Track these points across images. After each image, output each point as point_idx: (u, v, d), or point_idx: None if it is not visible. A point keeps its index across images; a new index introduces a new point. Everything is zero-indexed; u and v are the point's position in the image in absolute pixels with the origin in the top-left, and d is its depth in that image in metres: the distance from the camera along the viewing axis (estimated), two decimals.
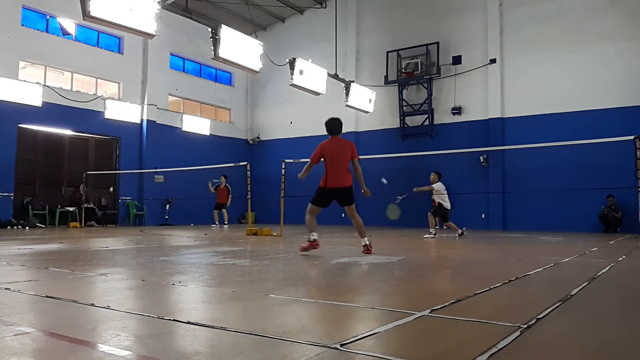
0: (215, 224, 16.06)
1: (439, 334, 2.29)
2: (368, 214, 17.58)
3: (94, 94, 16.67)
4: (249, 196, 11.82)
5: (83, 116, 16.05)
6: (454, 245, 8.33)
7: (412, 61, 17.23)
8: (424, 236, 10.62)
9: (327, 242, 8.37)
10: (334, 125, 6.42)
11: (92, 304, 2.82)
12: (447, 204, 10.86)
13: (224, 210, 16.00)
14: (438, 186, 10.90)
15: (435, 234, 10.62)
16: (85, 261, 5.34)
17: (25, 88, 14.25)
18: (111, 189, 17.43)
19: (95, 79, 16.97)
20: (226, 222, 16.06)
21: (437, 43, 17.04)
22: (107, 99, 16.59)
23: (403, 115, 17.63)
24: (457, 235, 10.64)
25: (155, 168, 17.19)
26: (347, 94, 14.38)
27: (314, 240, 6.08)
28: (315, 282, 4.02)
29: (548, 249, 7.56)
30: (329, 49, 15.90)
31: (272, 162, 19.13)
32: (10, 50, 14.37)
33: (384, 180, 9.87)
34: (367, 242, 6.29)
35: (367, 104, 15.48)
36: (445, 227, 11.49)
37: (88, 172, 15.70)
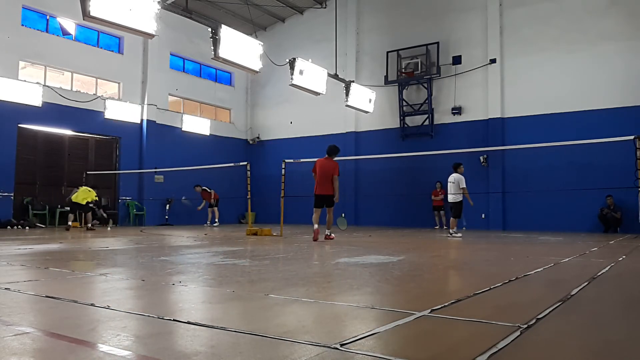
0: (207, 223, 16.83)
1: (439, 334, 2.29)
2: (370, 214, 17.71)
3: (94, 94, 16.65)
4: (249, 196, 11.79)
5: (83, 116, 16.03)
6: (454, 245, 8.33)
7: (412, 61, 17.21)
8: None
9: (327, 242, 8.39)
10: (332, 150, 9.19)
11: (92, 304, 2.82)
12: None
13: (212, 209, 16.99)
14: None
15: (452, 233, 11.11)
16: (85, 261, 5.34)
17: (25, 88, 14.23)
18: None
19: (95, 79, 16.95)
20: (209, 222, 16.90)
21: (437, 43, 17.03)
22: (107, 99, 16.58)
23: (403, 115, 17.61)
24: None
25: (155, 168, 17.19)
26: (347, 94, 14.36)
27: (316, 228, 8.77)
28: (315, 282, 4.02)
29: (548, 249, 7.56)
30: (329, 49, 15.88)
31: (272, 162, 19.10)
32: (10, 50, 14.35)
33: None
34: (329, 234, 8.97)
35: (367, 104, 15.45)
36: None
37: (88, 172, 15.68)
